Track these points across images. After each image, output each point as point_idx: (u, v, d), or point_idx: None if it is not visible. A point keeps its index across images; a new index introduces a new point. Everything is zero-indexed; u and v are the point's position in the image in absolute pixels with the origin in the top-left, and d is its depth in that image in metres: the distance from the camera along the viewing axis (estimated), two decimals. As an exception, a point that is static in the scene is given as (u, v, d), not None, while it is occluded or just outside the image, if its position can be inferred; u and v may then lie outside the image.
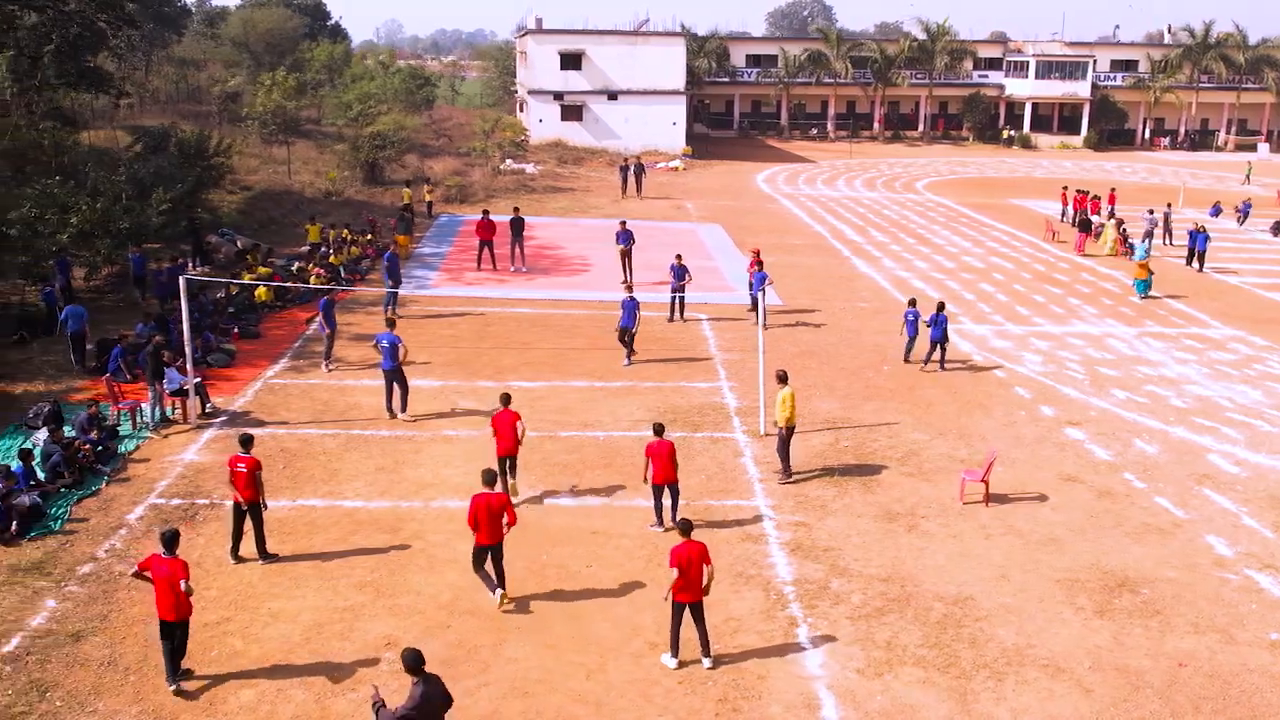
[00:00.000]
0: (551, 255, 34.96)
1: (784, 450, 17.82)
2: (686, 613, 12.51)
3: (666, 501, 15.96)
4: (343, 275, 29.79)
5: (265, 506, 14.50)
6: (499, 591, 13.65)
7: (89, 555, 14.66)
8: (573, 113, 62.72)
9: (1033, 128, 79.42)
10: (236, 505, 14.34)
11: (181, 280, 19.40)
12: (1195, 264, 36.79)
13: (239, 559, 14.55)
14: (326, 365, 22.73)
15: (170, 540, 11.62)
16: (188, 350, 19.38)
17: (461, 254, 35.16)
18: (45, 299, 23.88)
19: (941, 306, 24.50)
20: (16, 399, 20.38)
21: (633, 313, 23.52)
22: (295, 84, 44.05)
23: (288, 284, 27.24)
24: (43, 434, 18.22)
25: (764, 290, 26.85)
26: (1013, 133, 78.92)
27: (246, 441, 14.43)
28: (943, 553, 15.70)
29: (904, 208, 49.37)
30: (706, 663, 12.59)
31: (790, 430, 17.75)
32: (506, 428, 16.30)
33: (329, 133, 50.67)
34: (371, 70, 58.51)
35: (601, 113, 63.01)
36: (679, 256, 27.74)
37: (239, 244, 32.91)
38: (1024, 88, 78.63)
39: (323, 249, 31.84)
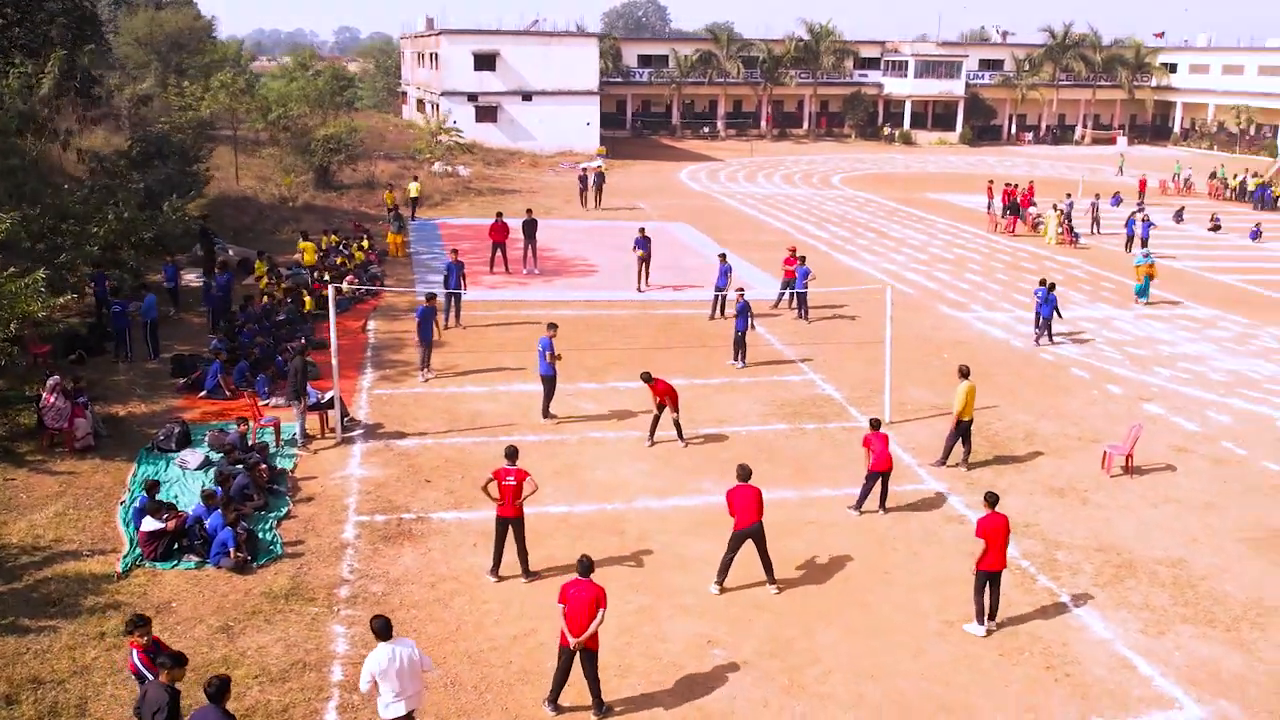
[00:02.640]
0: (551, 257, 34.80)
1: (953, 439, 18.59)
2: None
3: (875, 489, 16.61)
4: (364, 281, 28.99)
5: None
6: (717, 585, 14.16)
7: (336, 578, 14.17)
8: (487, 114, 62.09)
9: (910, 125, 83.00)
10: (500, 520, 14.07)
11: (332, 289, 18.76)
12: (1133, 250, 39.46)
13: (499, 577, 14.28)
14: (424, 374, 22.26)
15: (588, 567, 11.44)
16: (333, 363, 18.77)
17: (459, 256, 34.53)
18: (115, 315, 22.43)
19: (1052, 286, 26.05)
20: (122, 421, 19.25)
21: (743, 316, 23.79)
22: (244, 84, 42.24)
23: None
24: (190, 455, 17.45)
25: (807, 285, 27.93)
26: (894, 130, 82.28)
27: (513, 454, 14.18)
28: (1127, 522, 16.80)
29: (839, 203, 51.04)
30: (992, 625, 13.36)
31: (964, 422, 18.46)
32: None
33: (233, 135, 48.47)
34: (291, 70, 56.46)
35: (516, 114, 62.61)
36: (722, 255, 28.14)
37: (230, 251, 31.60)
38: (903, 86, 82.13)
39: (331, 257, 30.90)
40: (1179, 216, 48.39)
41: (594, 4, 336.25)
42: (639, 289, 30.61)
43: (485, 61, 61.41)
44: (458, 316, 26.29)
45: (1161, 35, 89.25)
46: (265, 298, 26.05)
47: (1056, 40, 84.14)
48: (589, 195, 45.20)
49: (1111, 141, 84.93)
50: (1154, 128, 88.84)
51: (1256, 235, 44.38)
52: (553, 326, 20.33)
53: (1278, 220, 49.35)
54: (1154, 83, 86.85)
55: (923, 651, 12.97)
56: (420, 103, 69.53)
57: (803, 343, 26.21)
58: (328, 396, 19.04)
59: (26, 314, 17.90)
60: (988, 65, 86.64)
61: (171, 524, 14.29)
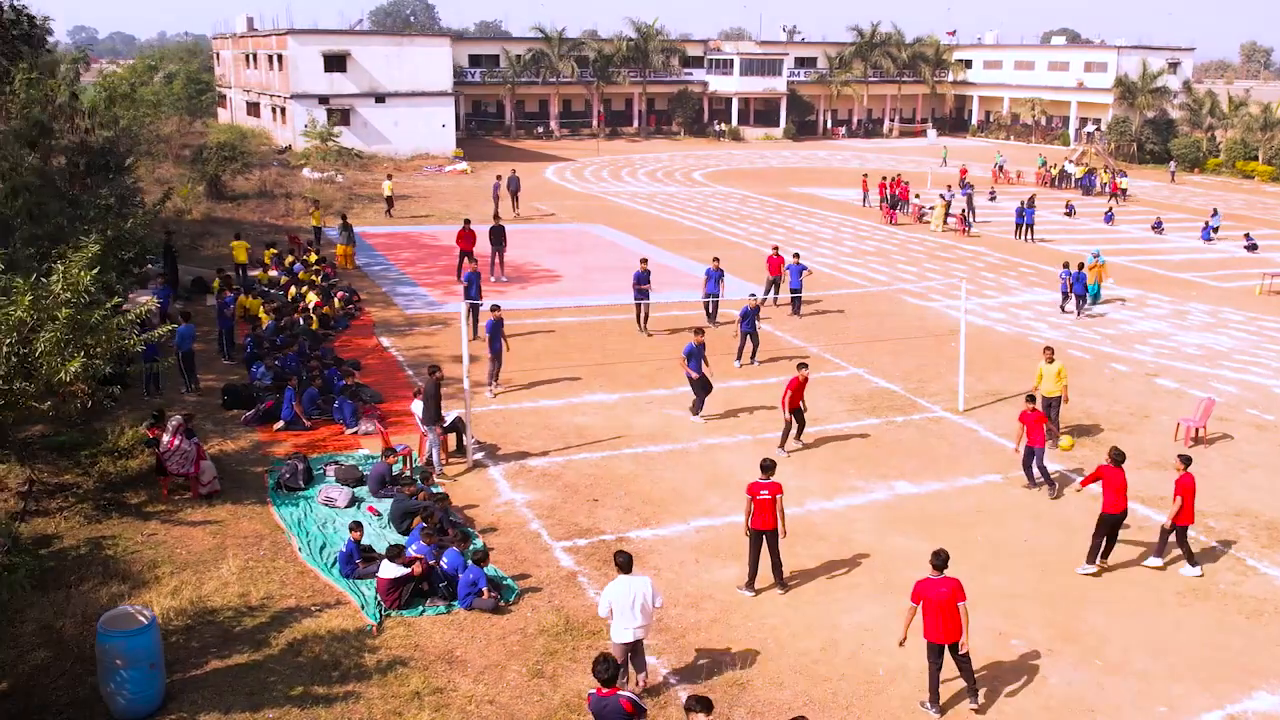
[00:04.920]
0: (506, 264, 33.91)
1: (1055, 418, 19.62)
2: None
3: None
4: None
5: (784, 534, 14.11)
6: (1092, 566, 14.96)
7: (596, 607, 13.55)
8: (339, 117, 59.51)
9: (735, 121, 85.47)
10: (754, 534, 13.91)
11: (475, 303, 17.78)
12: (1025, 236, 42.44)
13: (755, 590, 14.12)
14: (491, 389, 21.46)
15: (944, 561, 11.47)
16: (465, 384, 17.84)
17: (408, 266, 33.35)
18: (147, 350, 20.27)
19: (1081, 265, 27.70)
20: (219, 461, 17.60)
21: (751, 318, 23.98)
22: (128, 89, 38.55)
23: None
24: (335, 493, 16.26)
25: (802, 282, 28.58)
26: (723, 127, 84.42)
27: (769, 467, 14.02)
28: (1237, 487, 18.22)
29: (724, 200, 52.01)
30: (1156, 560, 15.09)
31: (1057, 400, 19.53)
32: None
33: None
34: (140, 74, 52.10)
35: (370, 116, 60.32)
36: (715, 260, 28.17)
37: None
38: (729, 84, 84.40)
39: (294, 270, 29.14)
40: (1031, 203, 52.05)
41: (361, 3, 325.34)
42: (646, 332, 26.99)
43: (336, 63, 58.84)
44: (475, 329, 25.29)
45: (954, 34, 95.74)
46: (269, 316, 24.47)
47: (864, 39, 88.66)
48: (504, 201, 43.22)
49: (916, 134, 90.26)
50: (952, 120, 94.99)
51: (1110, 219, 48.43)
52: (699, 331, 20.44)
53: (1102, 203, 53.86)
54: (952, 78, 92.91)
55: (1182, 623, 13.77)
56: (253, 106, 65.83)
57: (824, 342, 26.62)
58: (451, 419, 18.08)
59: (122, 349, 16.09)
60: (802, 63, 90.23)
61: (418, 568, 13.31)
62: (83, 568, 14.02)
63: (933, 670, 11.55)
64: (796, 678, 12.23)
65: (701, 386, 20.22)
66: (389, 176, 45.70)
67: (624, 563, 11.62)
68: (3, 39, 24.53)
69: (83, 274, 14.88)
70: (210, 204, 39.54)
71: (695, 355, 20.03)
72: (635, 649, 11.60)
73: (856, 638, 13.07)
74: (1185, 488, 14.77)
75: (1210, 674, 12.59)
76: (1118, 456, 14.95)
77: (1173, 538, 15.16)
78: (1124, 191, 55.99)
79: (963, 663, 11.55)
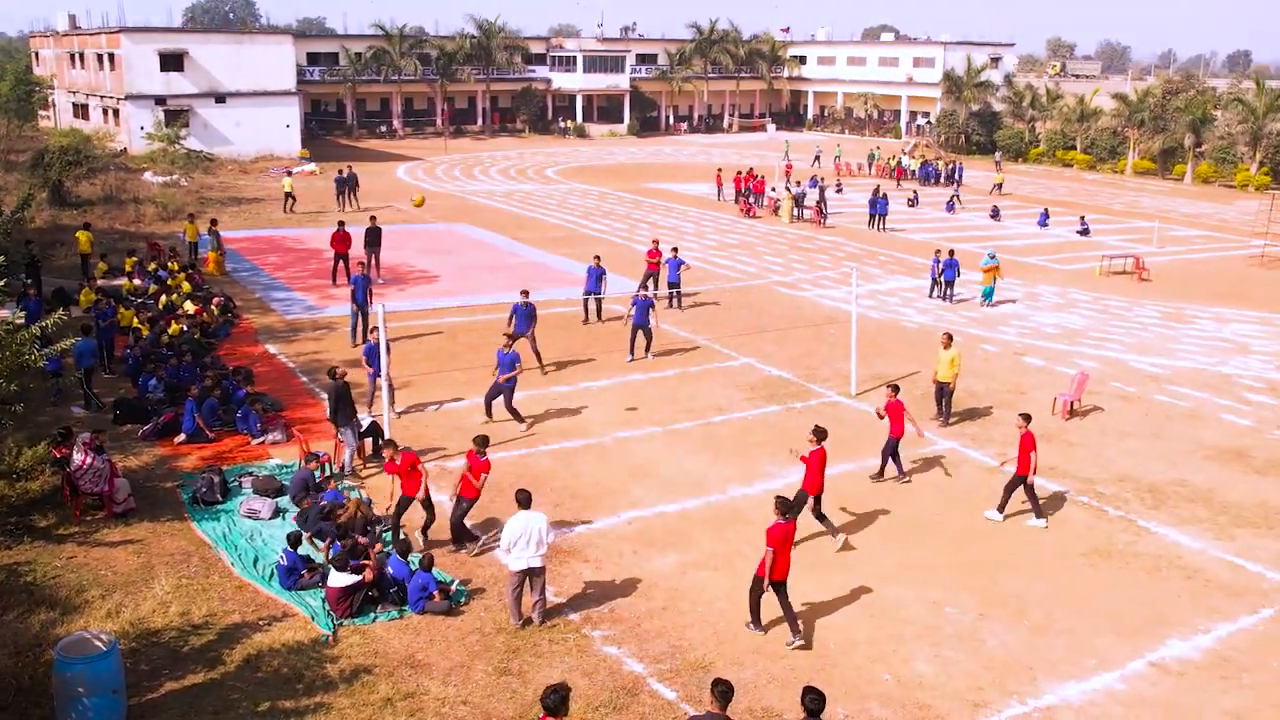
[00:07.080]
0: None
1: (948, 400, 20.67)
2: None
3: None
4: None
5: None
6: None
7: (547, 602, 13.69)
8: (177, 118, 57.05)
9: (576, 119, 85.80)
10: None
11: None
12: (878, 226, 44.29)
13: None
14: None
15: (789, 507, 12.07)
16: (384, 391, 17.58)
17: (278, 271, 32.44)
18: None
19: (952, 253, 28.98)
20: (128, 479, 16.90)
21: (645, 312, 24.31)
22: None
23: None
24: (258, 504, 15.90)
25: (680, 275, 29.18)
26: (568, 124, 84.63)
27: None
28: (1115, 455, 19.67)
29: (582, 197, 52.27)
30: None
31: (945, 384, 20.57)
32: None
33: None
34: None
35: (210, 117, 58.01)
36: (597, 258, 28.32)
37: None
38: (573, 81, 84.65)
39: (160, 273, 28.05)
40: (885, 195, 54.21)
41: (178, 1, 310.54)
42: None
43: (173, 62, 56.34)
44: (365, 333, 24.82)
45: (788, 30, 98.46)
46: (146, 327, 23.50)
47: (703, 36, 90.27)
48: (346, 197, 43.39)
49: (755, 128, 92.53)
50: (788, 115, 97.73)
51: (951, 208, 50.87)
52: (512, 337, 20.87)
53: (944, 191, 56.38)
54: (787, 74, 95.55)
55: (1092, 582, 14.82)
56: (81, 108, 62.42)
57: (701, 332, 27.26)
58: (367, 423, 17.83)
59: (26, 365, 15.32)
60: (644, 60, 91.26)
61: (369, 575, 13.17)
62: (3, 596, 13.31)
63: (784, 602, 12.87)
64: (755, 657, 12.65)
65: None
66: (289, 173, 46.76)
67: (524, 499, 13.11)
68: None
69: (-17, 288, 14.10)
70: (54, 211, 37.46)
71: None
72: (532, 575, 12.89)
73: (800, 616, 13.57)
74: (1027, 443, 16.21)
75: (1127, 627, 13.62)
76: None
77: (1021, 492, 16.56)
78: (956, 176, 58.89)
79: (785, 598, 12.88)
